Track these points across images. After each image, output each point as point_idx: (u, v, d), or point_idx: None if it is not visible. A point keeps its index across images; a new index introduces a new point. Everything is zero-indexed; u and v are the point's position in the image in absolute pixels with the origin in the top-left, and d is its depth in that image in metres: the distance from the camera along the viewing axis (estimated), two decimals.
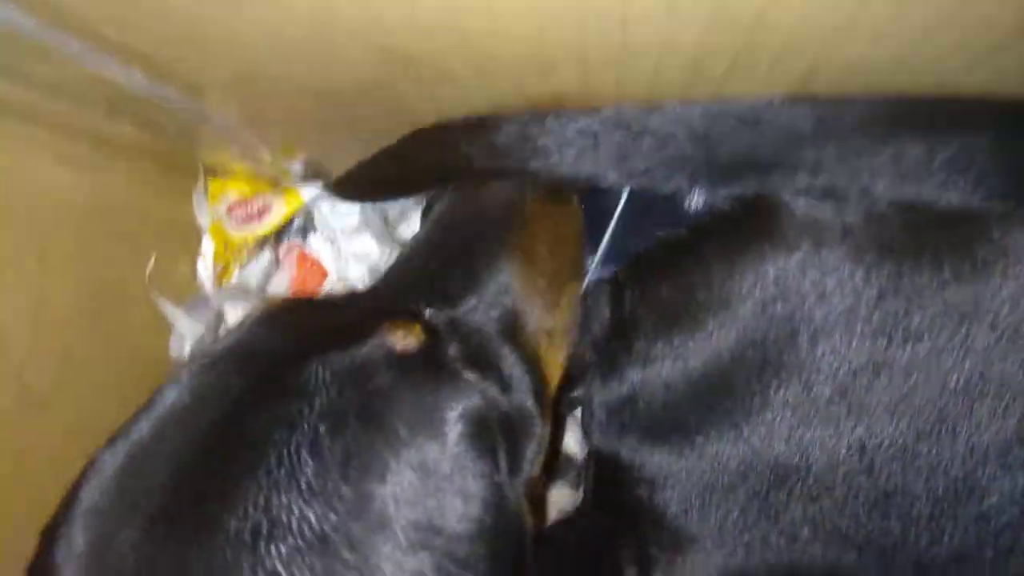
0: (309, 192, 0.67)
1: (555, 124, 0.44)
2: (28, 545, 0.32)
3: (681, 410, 0.43)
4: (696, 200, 0.51)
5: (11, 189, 0.50)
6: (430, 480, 0.32)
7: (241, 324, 0.38)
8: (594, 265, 0.55)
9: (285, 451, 0.30)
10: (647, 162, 0.43)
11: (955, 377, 0.38)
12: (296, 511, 0.29)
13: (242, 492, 0.29)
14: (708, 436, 0.41)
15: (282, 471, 0.29)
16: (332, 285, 0.69)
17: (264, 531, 0.28)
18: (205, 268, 0.69)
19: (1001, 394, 0.37)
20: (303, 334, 0.36)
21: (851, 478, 0.39)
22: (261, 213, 0.67)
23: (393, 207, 0.70)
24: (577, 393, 0.54)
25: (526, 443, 0.39)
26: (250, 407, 0.32)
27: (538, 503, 0.45)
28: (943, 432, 0.38)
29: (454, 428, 0.33)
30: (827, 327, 0.40)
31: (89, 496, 0.31)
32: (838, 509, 0.39)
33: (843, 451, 0.39)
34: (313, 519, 0.29)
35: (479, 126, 0.47)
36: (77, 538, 0.30)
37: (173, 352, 0.65)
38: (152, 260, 0.62)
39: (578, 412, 0.59)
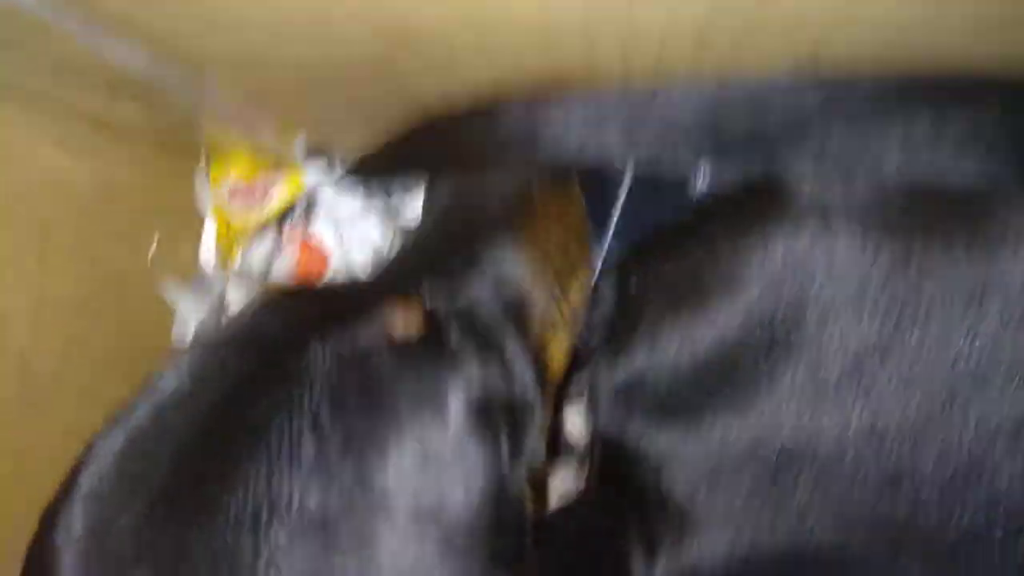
0: (312, 174, 0.66)
1: (560, 109, 0.44)
2: None
3: (687, 392, 0.43)
4: (701, 185, 0.51)
5: (11, 173, 0.50)
6: (431, 464, 0.31)
7: (243, 312, 0.38)
8: (600, 254, 0.55)
9: (286, 435, 0.30)
10: (654, 145, 0.43)
11: (965, 358, 0.37)
12: (296, 495, 0.29)
13: (242, 475, 0.29)
14: (715, 418, 0.41)
15: (282, 455, 0.29)
16: (335, 270, 0.68)
17: (264, 514, 0.28)
18: (207, 251, 0.69)
19: (1011, 375, 0.36)
20: (304, 319, 0.36)
21: (859, 460, 0.38)
22: (263, 195, 0.67)
23: (397, 193, 0.70)
24: (582, 377, 0.54)
25: (528, 428, 0.39)
26: (250, 391, 0.32)
27: (539, 488, 0.44)
28: (953, 414, 0.37)
29: (455, 411, 0.33)
30: (835, 307, 0.39)
31: (88, 480, 0.31)
32: (846, 492, 0.38)
33: (851, 433, 0.38)
34: (313, 503, 0.29)
35: (485, 113, 0.46)
36: (76, 521, 0.30)
37: (176, 335, 0.65)
38: (154, 243, 0.62)
39: (582, 397, 0.59)
